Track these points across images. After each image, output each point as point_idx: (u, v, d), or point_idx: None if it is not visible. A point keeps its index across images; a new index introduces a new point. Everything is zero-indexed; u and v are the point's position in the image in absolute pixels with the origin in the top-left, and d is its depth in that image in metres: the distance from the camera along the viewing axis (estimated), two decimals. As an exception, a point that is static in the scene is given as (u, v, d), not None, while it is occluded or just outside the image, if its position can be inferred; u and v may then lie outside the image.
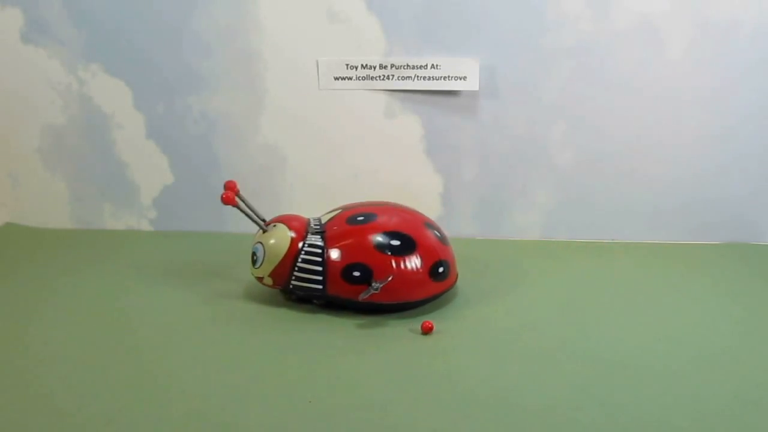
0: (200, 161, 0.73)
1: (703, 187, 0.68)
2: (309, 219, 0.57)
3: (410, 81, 0.68)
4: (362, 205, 0.58)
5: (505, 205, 0.71)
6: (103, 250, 0.70)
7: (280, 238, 0.55)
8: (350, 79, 0.69)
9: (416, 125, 0.70)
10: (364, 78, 0.68)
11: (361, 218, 0.56)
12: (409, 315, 0.55)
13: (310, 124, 0.71)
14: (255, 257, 0.56)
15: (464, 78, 0.67)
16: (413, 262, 0.54)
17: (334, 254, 0.54)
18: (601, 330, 0.52)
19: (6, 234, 0.74)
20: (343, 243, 0.54)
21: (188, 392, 0.44)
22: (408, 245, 0.54)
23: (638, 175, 0.69)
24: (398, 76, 0.68)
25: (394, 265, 0.53)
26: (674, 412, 0.41)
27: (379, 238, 0.54)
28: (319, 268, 0.54)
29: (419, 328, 0.52)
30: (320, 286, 0.54)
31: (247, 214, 0.55)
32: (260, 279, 0.56)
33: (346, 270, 0.53)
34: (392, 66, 0.68)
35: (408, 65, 0.67)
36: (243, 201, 0.55)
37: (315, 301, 0.56)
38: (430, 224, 0.57)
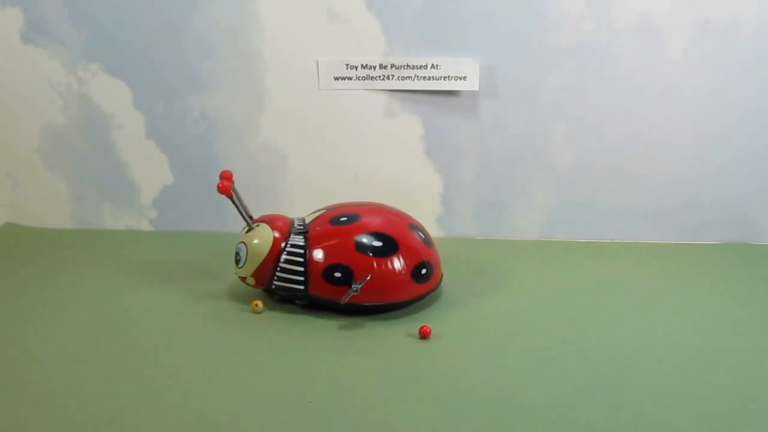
0: (200, 161, 0.73)
1: (703, 187, 0.68)
2: (293, 219, 0.57)
3: (410, 81, 0.68)
4: (347, 205, 0.58)
5: (504, 205, 0.71)
6: (103, 250, 0.70)
7: (264, 237, 0.55)
8: (350, 79, 0.69)
9: (416, 125, 0.70)
10: (364, 78, 0.68)
11: (344, 219, 0.55)
12: (409, 315, 0.55)
13: (310, 124, 0.71)
14: (238, 257, 0.56)
15: (464, 78, 0.67)
16: (395, 263, 0.53)
17: (316, 255, 0.54)
18: (601, 330, 0.52)
19: (6, 234, 0.74)
20: (325, 243, 0.54)
21: (189, 392, 0.44)
22: (390, 246, 0.54)
23: (638, 175, 0.69)
24: (398, 76, 0.68)
25: (375, 266, 0.53)
26: (674, 412, 0.41)
27: (361, 239, 0.54)
28: (301, 269, 0.54)
29: (417, 332, 0.51)
30: (302, 287, 0.54)
31: (238, 209, 0.55)
32: (243, 279, 0.56)
33: (328, 270, 0.53)
34: (392, 66, 0.68)
35: (408, 65, 0.67)
36: (236, 194, 0.55)
37: (297, 301, 0.56)
38: (414, 225, 0.57)
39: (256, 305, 0.55)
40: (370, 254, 0.53)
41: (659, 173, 0.68)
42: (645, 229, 0.70)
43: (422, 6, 0.66)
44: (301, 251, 0.54)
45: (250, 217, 0.56)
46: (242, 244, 0.56)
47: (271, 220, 0.56)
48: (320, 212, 0.58)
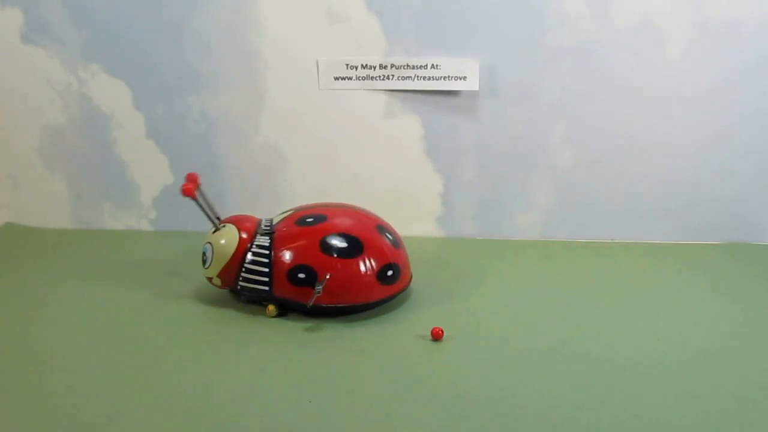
0: (200, 161, 0.73)
1: (703, 187, 0.68)
2: (261, 220, 0.57)
3: (410, 81, 0.68)
4: (316, 206, 0.58)
5: (504, 205, 0.71)
6: (103, 250, 0.70)
7: (230, 238, 0.55)
8: (350, 79, 0.69)
9: (416, 125, 0.70)
10: (364, 78, 0.68)
11: (311, 220, 0.55)
12: (409, 315, 0.55)
13: (310, 124, 0.71)
14: (204, 257, 0.56)
15: (464, 78, 0.67)
16: (360, 264, 0.53)
17: (281, 255, 0.53)
18: (600, 330, 0.52)
19: (6, 234, 0.74)
20: (290, 244, 0.54)
21: (189, 392, 0.44)
22: (355, 247, 0.53)
23: (638, 175, 0.69)
24: (398, 76, 0.68)
25: (340, 267, 0.52)
26: (674, 412, 0.41)
27: (326, 240, 0.53)
28: (266, 269, 0.53)
29: (417, 332, 0.51)
30: (267, 288, 0.54)
31: (203, 210, 0.55)
32: (210, 279, 0.56)
33: (292, 271, 0.53)
34: (392, 66, 0.68)
35: (408, 65, 0.67)
36: (203, 196, 0.55)
37: (264, 303, 0.55)
38: (382, 227, 0.57)
39: (270, 310, 0.55)
40: (335, 255, 0.53)
41: (659, 173, 0.68)
42: (645, 229, 0.70)
43: (422, 6, 0.66)
44: (267, 252, 0.54)
45: (218, 218, 0.56)
46: (209, 245, 0.55)
47: (238, 221, 0.56)
48: (288, 213, 0.57)
